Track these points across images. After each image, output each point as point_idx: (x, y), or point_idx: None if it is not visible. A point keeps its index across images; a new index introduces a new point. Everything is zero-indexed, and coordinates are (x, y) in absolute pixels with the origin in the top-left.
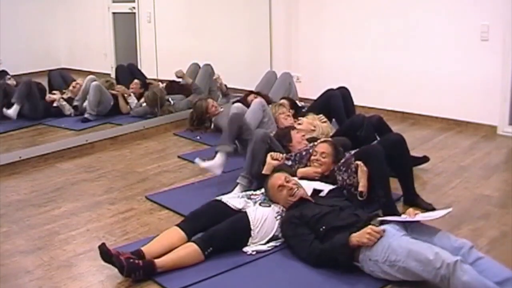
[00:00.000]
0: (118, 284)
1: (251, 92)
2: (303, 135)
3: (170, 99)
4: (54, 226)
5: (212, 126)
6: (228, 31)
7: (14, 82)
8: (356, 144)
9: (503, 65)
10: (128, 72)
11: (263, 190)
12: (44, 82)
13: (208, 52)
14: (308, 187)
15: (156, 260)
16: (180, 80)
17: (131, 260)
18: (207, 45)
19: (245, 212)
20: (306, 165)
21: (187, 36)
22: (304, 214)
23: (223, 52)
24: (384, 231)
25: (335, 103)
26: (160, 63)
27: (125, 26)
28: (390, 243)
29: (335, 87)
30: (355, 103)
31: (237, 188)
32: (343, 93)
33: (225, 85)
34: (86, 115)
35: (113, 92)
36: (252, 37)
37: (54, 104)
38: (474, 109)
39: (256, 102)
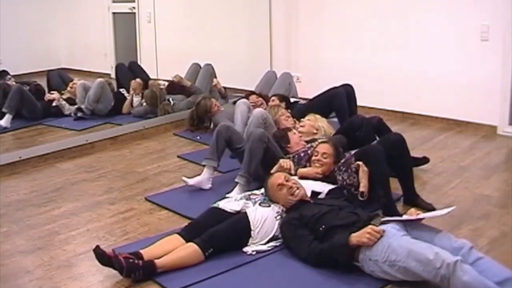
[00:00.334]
0: (118, 284)
1: (252, 92)
2: (301, 136)
3: (170, 99)
4: (54, 226)
5: (212, 125)
6: (228, 31)
7: (14, 83)
8: (356, 144)
9: (503, 65)
10: (128, 71)
11: (262, 190)
12: (44, 82)
13: (208, 52)
14: (307, 187)
15: (156, 260)
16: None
17: (131, 260)
18: (207, 45)
19: (245, 213)
20: (305, 166)
21: (187, 36)
22: (303, 215)
23: (223, 52)
24: (384, 231)
25: (339, 102)
26: (160, 63)
27: (125, 26)
28: (390, 243)
29: (337, 85)
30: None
31: (237, 188)
32: (348, 90)
33: (224, 88)
34: (82, 107)
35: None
36: (252, 37)
37: (54, 104)
38: (474, 109)
39: (257, 115)
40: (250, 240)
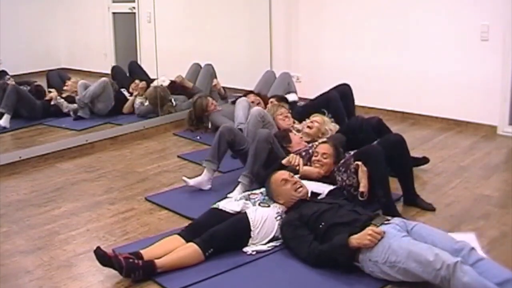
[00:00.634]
0: (118, 284)
1: (250, 92)
2: (302, 137)
3: (172, 100)
4: (54, 226)
5: (210, 125)
6: (228, 31)
7: (13, 83)
8: (355, 145)
9: (503, 65)
10: (124, 72)
11: (262, 190)
12: (44, 82)
13: (208, 52)
14: (308, 187)
15: (156, 260)
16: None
17: (130, 260)
18: (207, 45)
19: (245, 213)
20: (306, 166)
21: (187, 36)
22: (303, 214)
23: (223, 52)
24: (384, 232)
25: (334, 106)
26: (160, 63)
27: (125, 26)
28: (390, 244)
29: (334, 86)
30: (355, 103)
31: (239, 187)
32: (344, 90)
33: (223, 88)
34: (80, 113)
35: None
36: (252, 37)
37: (52, 103)
38: (474, 109)
39: (254, 113)
40: (250, 241)
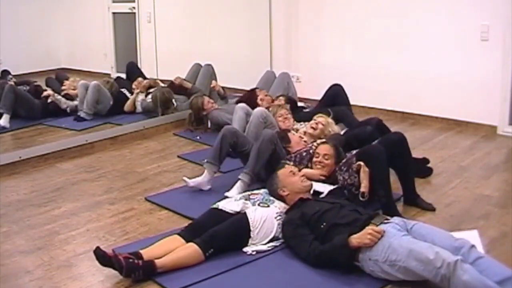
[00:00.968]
0: (118, 284)
1: (253, 90)
2: (300, 136)
3: (174, 101)
4: (54, 226)
5: (209, 124)
6: (228, 31)
7: (13, 83)
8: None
9: (503, 65)
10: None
11: (262, 190)
12: (43, 82)
13: (208, 52)
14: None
15: (156, 260)
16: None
17: (130, 260)
18: (207, 45)
19: (245, 213)
20: (307, 166)
21: (187, 36)
22: (304, 213)
23: (223, 52)
24: (384, 231)
25: (347, 119)
26: (160, 63)
27: (125, 26)
28: (390, 242)
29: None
30: (355, 103)
31: (238, 185)
32: (336, 91)
33: (223, 88)
34: (82, 114)
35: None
36: (252, 37)
37: (49, 100)
38: (474, 109)
39: (256, 114)
40: (250, 241)
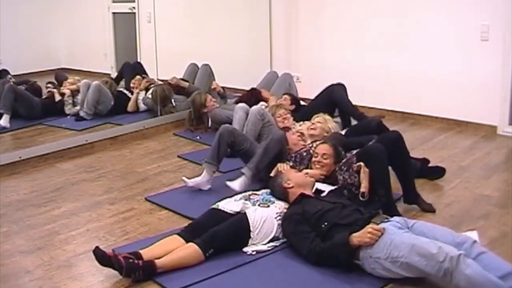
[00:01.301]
0: (117, 284)
1: (253, 89)
2: (299, 136)
3: (172, 100)
4: (54, 226)
5: (210, 123)
6: (228, 31)
7: (12, 83)
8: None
9: (503, 65)
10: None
11: (262, 191)
12: (43, 82)
13: (208, 52)
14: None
15: (156, 260)
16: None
17: (130, 260)
18: (207, 45)
19: (245, 213)
20: (307, 166)
21: (187, 36)
22: (306, 211)
23: (223, 52)
24: (384, 229)
25: (337, 95)
26: (160, 63)
27: (125, 26)
28: (392, 239)
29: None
30: (355, 103)
31: (241, 180)
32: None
33: (222, 88)
34: (82, 114)
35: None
36: (252, 37)
37: (57, 99)
38: (474, 109)
39: (254, 111)
40: (250, 241)
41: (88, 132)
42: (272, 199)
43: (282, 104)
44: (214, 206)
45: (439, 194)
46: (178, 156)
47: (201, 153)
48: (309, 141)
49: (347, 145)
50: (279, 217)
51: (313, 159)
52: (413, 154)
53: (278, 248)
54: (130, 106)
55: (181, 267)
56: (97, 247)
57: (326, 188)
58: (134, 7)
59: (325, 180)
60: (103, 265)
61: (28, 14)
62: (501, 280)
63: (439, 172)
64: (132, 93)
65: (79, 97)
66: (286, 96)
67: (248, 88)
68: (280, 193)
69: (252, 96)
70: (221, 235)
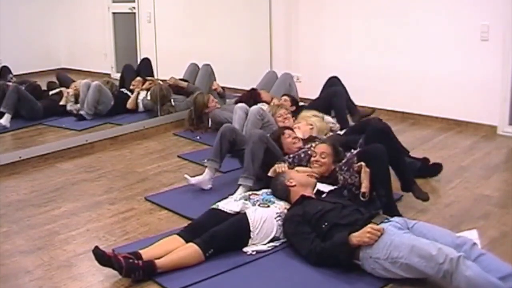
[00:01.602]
0: (117, 284)
1: (252, 90)
2: (294, 138)
3: (172, 100)
4: (54, 226)
5: (210, 123)
6: (228, 31)
7: (11, 82)
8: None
9: (503, 65)
10: (133, 71)
11: (263, 191)
12: (43, 82)
13: (208, 52)
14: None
15: (156, 261)
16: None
17: (130, 260)
18: (207, 45)
19: (245, 213)
20: (306, 167)
21: (187, 36)
22: (306, 211)
23: (223, 52)
24: (383, 228)
25: (336, 104)
26: (160, 63)
27: (125, 26)
28: (392, 240)
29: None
30: (355, 103)
31: (239, 190)
32: (333, 83)
33: (222, 88)
34: (82, 113)
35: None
36: (252, 37)
37: (62, 102)
38: (474, 109)
39: (253, 112)
40: (250, 241)
41: (88, 132)
42: (272, 199)
43: (283, 104)
44: (214, 206)
45: (439, 194)
46: (178, 156)
47: (201, 153)
48: (303, 136)
49: (345, 144)
50: (279, 217)
51: (312, 158)
52: (413, 154)
53: (278, 248)
54: (130, 104)
55: (181, 267)
56: (96, 247)
57: (327, 188)
58: (134, 7)
59: (326, 180)
60: (103, 265)
61: (28, 14)
62: (501, 281)
63: (437, 169)
64: (133, 93)
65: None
66: (286, 97)
67: (248, 88)
68: (282, 192)
69: (251, 98)
70: (221, 235)
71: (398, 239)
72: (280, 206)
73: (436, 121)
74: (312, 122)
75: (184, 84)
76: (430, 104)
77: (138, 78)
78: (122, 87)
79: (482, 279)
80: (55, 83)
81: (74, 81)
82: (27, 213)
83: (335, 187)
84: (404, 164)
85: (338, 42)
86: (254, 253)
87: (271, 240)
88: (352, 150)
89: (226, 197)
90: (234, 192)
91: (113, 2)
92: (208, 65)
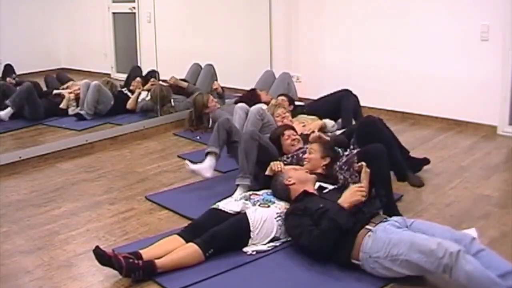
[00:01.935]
0: (117, 284)
1: (252, 90)
2: (293, 140)
3: (172, 101)
4: (54, 226)
5: (210, 123)
6: (228, 31)
7: (14, 81)
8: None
9: (503, 65)
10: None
11: (263, 191)
12: (43, 82)
13: (208, 52)
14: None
15: (156, 260)
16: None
17: (130, 260)
18: (207, 45)
19: (245, 214)
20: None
21: (187, 36)
22: (308, 207)
23: (223, 52)
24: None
25: (345, 102)
26: (160, 63)
27: (125, 26)
28: (391, 238)
29: (336, 88)
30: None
31: (238, 191)
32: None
33: (222, 88)
34: (82, 112)
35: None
36: (252, 37)
37: (62, 106)
38: (474, 109)
39: (253, 111)
40: (250, 241)
41: (88, 132)
42: (273, 199)
43: (281, 103)
44: (214, 206)
45: (439, 194)
46: (178, 156)
47: (201, 153)
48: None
49: (336, 141)
50: (279, 217)
51: (304, 156)
52: (413, 154)
53: (278, 248)
54: (130, 104)
55: (181, 267)
56: (97, 247)
57: (329, 187)
58: (134, 7)
59: (324, 179)
60: (103, 265)
61: (28, 14)
62: (501, 279)
63: (421, 162)
64: (133, 93)
65: (80, 97)
66: (283, 98)
67: (248, 88)
68: (282, 192)
69: (250, 100)
70: (221, 235)
71: (397, 236)
72: (281, 206)
73: (436, 121)
74: (304, 120)
75: (185, 84)
76: (430, 104)
77: (138, 79)
78: (125, 87)
79: (482, 274)
80: (53, 78)
81: (73, 80)
82: (27, 213)
83: (334, 186)
84: (396, 154)
85: (338, 42)
86: (254, 253)
87: (271, 240)
88: (353, 150)
89: (226, 197)
90: (233, 192)
91: (113, 2)
92: (211, 65)
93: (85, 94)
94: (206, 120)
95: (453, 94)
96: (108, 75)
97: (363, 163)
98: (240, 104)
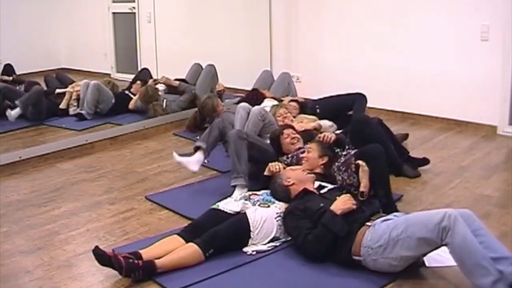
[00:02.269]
0: (117, 284)
1: (254, 90)
2: (293, 138)
3: (164, 101)
4: (54, 226)
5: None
6: (228, 31)
7: (10, 79)
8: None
9: (503, 65)
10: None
11: (263, 191)
12: (43, 82)
13: (208, 52)
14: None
15: (156, 260)
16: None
17: (130, 260)
18: (207, 45)
19: (245, 214)
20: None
21: (187, 36)
22: (308, 207)
23: (223, 52)
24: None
25: (358, 102)
26: (160, 63)
27: (125, 26)
28: (388, 224)
29: (336, 88)
30: None
31: (236, 191)
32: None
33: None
34: (83, 112)
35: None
36: (252, 37)
37: (62, 106)
38: (474, 109)
39: (255, 112)
40: (250, 241)
41: (88, 132)
42: (273, 199)
43: (284, 104)
44: (214, 206)
45: (439, 194)
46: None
47: None
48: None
49: (341, 139)
50: (279, 217)
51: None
52: (413, 154)
53: (278, 248)
54: (131, 104)
55: (181, 267)
56: (96, 247)
57: (328, 186)
58: (134, 7)
59: (323, 179)
60: (103, 265)
61: (28, 14)
62: (494, 262)
63: (421, 162)
64: (135, 95)
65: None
66: (294, 104)
67: (248, 88)
68: (282, 193)
69: (254, 100)
70: (221, 235)
71: (394, 222)
72: (281, 206)
73: (436, 121)
74: (301, 118)
75: (176, 83)
76: (430, 104)
77: (138, 82)
78: (127, 89)
79: (476, 245)
80: (53, 78)
81: (74, 81)
82: (27, 213)
83: (333, 186)
84: (391, 150)
85: (338, 42)
86: (254, 253)
87: (271, 240)
88: (350, 150)
89: (226, 197)
90: (231, 194)
91: (113, 2)
92: (212, 65)
93: (85, 94)
94: (209, 122)
95: (453, 94)
96: (108, 75)
97: (360, 161)
98: (242, 104)
